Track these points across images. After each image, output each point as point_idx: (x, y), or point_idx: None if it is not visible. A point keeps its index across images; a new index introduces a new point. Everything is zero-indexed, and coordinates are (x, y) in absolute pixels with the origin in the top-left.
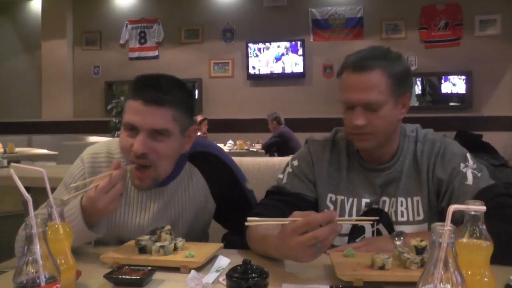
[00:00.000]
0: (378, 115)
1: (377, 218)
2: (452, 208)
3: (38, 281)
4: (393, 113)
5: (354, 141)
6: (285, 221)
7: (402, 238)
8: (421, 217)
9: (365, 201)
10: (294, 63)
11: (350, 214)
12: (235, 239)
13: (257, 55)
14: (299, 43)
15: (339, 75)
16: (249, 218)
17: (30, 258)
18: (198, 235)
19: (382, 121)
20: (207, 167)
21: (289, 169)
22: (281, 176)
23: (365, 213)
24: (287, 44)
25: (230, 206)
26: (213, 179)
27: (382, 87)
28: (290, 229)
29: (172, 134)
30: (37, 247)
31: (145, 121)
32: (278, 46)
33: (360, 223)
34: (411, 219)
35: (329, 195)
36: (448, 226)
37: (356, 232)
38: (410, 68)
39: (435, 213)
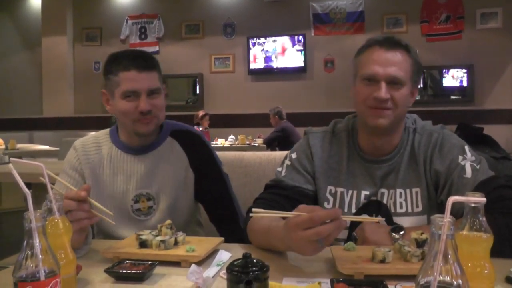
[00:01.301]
0: (399, 92)
1: (383, 219)
2: (452, 199)
3: (37, 275)
4: (408, 97)
5: (369, 116)
6: (290, 214)
7: (401, 233)
8: (420, 208)
9: (364, 193)
10: (295, 58)
11: (350, 207)
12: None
13: (258, 50)
14: (300, 37)
15: (360, 52)
16: (254, 209)
17: (29, 252)
18: (185, 210)
19: (402, 99)
20: (188, 142)
21: (287, 162)
22: (279, 169)
23: (364, 206)
24: (288, 38)
25: (209, 183)
26: (193, 154)
27: (407, 67)
28: (294, 223)
29: (161, 91)
30: (37, 242)
31: (143, 85)
32: (279, 41)
33: (364, 220)
34: (409, 210)
35: (329, 187)
36: (447, 218)
37: (355, 224)
38: None
39: (434, 205)
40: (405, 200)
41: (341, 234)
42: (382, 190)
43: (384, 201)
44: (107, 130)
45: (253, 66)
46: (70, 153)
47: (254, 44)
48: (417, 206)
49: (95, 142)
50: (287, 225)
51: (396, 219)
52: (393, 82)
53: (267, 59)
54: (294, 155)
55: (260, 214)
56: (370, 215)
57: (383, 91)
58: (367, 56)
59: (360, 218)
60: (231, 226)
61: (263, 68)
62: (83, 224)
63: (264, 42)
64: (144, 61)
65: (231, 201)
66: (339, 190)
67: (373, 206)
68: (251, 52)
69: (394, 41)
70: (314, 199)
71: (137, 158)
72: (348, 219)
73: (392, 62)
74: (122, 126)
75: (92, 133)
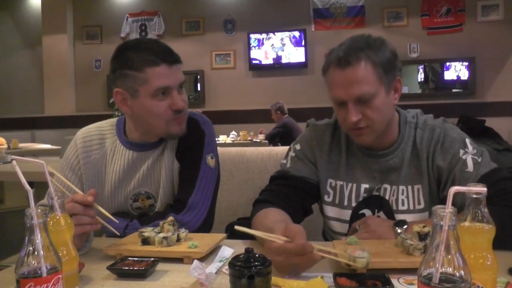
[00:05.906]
0: (371, 107)
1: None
2: (453, 190)
3: (39, 272)
4: (386, 101)
5: (353, 137)
6: (271, 236)
7: (404, 227)
8: (422, 205)
9: (364, 186)
10: (296, 53)
11: (350, 200)
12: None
13: (258, 46)
14: (301, 32)
15: (324, 72)
16: (236, 227)
17: (31, 249)
18: None
19: (376, 113)
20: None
21: (292, 154)
22: (284, 161)
23: (367, 201)
24: (289, 34)
25: (183, 167)
26: (183, 140)
27: (370, 78)
28: (267, 247)
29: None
30: (38, 238)
31: (175, 79)
32: (280, 36)
33: (340, 260)
34: (411, 207)
35: (329, 180)
36: (449, 208)
37: (356, 219)
38: (395, 50)
39: (436, 202)
40: (407, 197)
41: (341, 228)
42: (385, 185)
43: (386, 197)
44: (113, 120)
45: (254, 62)
46: (70, 146)
47: (254, 40)
48: (419, 203)
49: (99, 134)
50: (265, 246)
51: (398, 216)
52: (361, 101)
53: (268, 54)
54: (298, 147)
55: (244, 230)
56: (373, 211)
57: (352, 115)
58: (330, 77)
59: (333, 255)
60: (176, 214)
61: (264, 63)
62: (85, 229)
63: (265, 38)
64: (172, 54)
65: (190, 192)
66: (339, 183)
67: (375, 202)
68: (253, 48)
69: (350, 57)
70: (319, 190)
71: (140, 155)
72: (323, 254)
73: (353, 81)
74: (138, 124)
75: (97, 124)
